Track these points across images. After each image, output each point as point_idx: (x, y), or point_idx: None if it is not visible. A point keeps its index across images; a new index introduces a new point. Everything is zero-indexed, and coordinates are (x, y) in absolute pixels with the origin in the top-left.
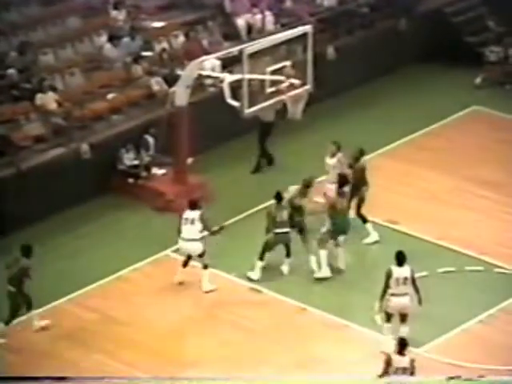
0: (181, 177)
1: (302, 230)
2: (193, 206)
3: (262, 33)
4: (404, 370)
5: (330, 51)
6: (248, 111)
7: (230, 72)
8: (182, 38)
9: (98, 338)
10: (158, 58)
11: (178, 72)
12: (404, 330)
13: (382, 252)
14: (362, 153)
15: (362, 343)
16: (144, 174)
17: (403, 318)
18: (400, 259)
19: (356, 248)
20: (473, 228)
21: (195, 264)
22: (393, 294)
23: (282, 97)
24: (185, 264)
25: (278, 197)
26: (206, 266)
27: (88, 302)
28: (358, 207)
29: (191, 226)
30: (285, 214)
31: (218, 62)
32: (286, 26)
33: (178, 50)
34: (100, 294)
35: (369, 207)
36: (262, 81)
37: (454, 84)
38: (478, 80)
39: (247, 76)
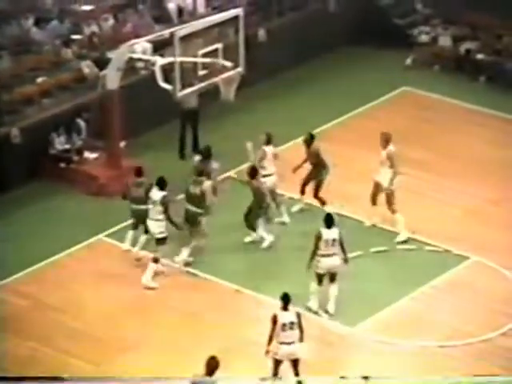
0: (114, 160)
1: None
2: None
3: (194, 15)
4: (291, 325)
5: (262, 33)
6: (180, 94)
7: (162, 55)
8: (111, 21)
9: (32, 325)
10: (88, 42)
11: (109, 55)
12: (333, 289)
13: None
14: (312, 136)
15: None
16: (76, 158)
17: (332, 277)
18: (328, 221)
19: (293, 228)
20: (403, 207)
21: (130, 248)
22: (322, 255)
23: (214, 79)
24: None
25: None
26: (156, 260)
27: (21, 289)
28: (316, 190)
29: (153, 207)
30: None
31: (149, 45)
32: (217, 9)
33: (108, 33)
34: (34, 280)
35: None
36: (194, 63)
37: (385, 65)
38: (408, 61)
39: (179, 59)
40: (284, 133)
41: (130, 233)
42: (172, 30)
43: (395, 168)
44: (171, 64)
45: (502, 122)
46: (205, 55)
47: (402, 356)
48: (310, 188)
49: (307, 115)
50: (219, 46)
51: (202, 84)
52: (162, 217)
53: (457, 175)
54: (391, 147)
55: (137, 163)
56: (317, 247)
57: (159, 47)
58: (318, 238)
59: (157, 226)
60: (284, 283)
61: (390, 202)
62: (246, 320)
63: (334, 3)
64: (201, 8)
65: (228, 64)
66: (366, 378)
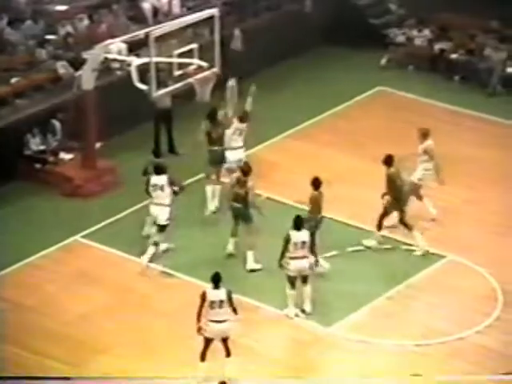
0: (89, 161)
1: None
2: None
3: (169, 16)
4: (221, 303)
5: (237, 33)
6: (156, 94)
7: (137, 55)
8: (86, 22)
9: (9, 327)
10: (63, 42)
11: (84, 56)
12: (307, 290)
13: None
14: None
15: (274, 324)
16: (51, 159)
17: (304, 279)
18: (297, 224)
19: (270, 230)
20: (381, 207)
21: (106, 249)
22: (291, 258)
23: (190, 79)
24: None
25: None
26: (156, 243)
27: None
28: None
29: (161, 192)
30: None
31: (124, 46)
32: (192, 9)
33: (83, 33)
34: (9, 281)
35: (279, 189)
36: (170, 64)
37: (360, 65)
38: (383, 61)
39: (154, 59)
40: (259, 132)
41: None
42: (147, 30)
43: (435, 161)
44: (147, 64)
45: (476, 121)
46: (180, 55)
47: (379, 355)
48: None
49: (282, 115)
50: (194, 46)
51: (178, 84)
52: (168, 202)
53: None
54: (429, 141)
55: (112, 164)
56: (285, 249)
57: (134, 47)
58: (287, 240)
59: (164, 211)
60: (265, 286)
61: (417, 193)
62: None
63: (309, 3)
64: (176, 8)
65: (203, 64)
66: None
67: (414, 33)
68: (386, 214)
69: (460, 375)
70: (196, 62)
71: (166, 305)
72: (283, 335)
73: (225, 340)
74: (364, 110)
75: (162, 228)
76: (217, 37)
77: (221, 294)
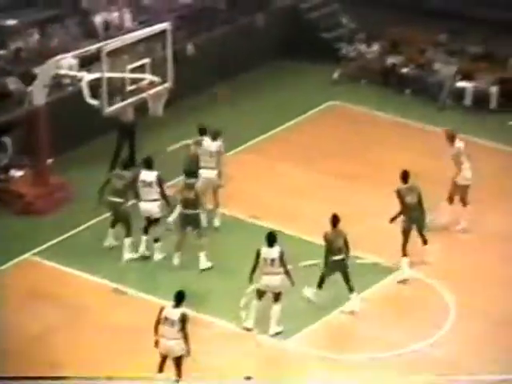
0: (41, 178)
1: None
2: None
3: (121, 30)
4: (172, 322)
5: (190, 48)
6: (108, 110)
7: (89, 71)
8: (37, 36)
9: None
10: (14, 57)
11: (35, 71)
12: (275, 309)
13: (246, 247)
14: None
15: (228, 340)
16: (2, 176)
17: (275, 297)
18: (270, 240)
19: (220, 243)
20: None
21: (59, 267)
22: (264, 273)
23: (143, 94)
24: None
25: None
26: (157, 240)
27: None
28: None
29: (150, 189)
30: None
31: (75, 61)
32: (144, 24)
33: (34, 48)
34: None
35: (232, 203)
36: (122, 79)
37: (313, 79)
38: (335, 75)
39: (106, 74)
40: None
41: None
42: (99, 45)
43: (464, 164)
44: (99, 79)
45: (426, 133)
46: (132, 70)
47: (335, 369)
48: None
49: (236, 129)
50: (147, 61)
51: (131, 99)
52: (158, 196)
53: (387, 187)
54: (459, 144)
55: (64, 180)
56: (255, 264)
57: (86, 62)
58: (257, 255)
59: (156, 205)
60: (221, 302)
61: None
62: None
63: (261, 18)
64: (128, 22)
65: (156, 79)
66: (248, 378)
67: (365, 47)
68: (405, 238)
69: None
70: (148, 76)
71: (121, 322)
72: (240, 349)
73: (176, 360)
74: (317, 123)
75: (157, 221)
76: (169, 51)
77: (176, 313)
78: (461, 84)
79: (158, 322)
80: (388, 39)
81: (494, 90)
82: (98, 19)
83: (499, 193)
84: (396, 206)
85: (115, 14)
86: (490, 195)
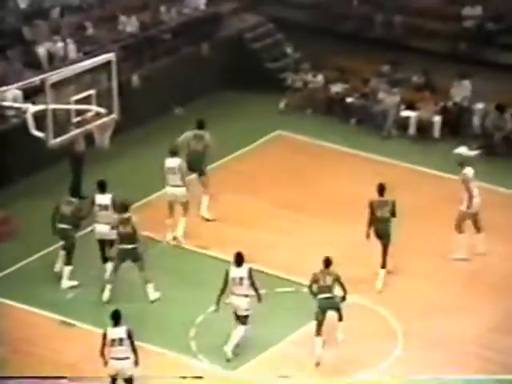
0: None
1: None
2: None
3: (65, 61)
4: (120, 341)
5: (135, 79)
6: (54, 142)
7: (33, 102)
8: None
9: None
10: None
11: None
12: (237, 332)
13: (195, 278)
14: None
15: (180, 369)
16: None
17: (241, 319)
18: (237, 259)
19: (171, 275)
20: (279, 249)
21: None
22: (232, 293)
23: (88, 126)
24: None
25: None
26: (110, 259)
27: None
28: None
29: (106, 212)
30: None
31: (19, 92)
32: (89, 54)
33: None
34: None
35: (183, 233)
36: (68, 110)
37: (259, 109)
38: (281, 105)
39: (51, 106)
40: (159, 177)
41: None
42: (43, 76)
43: (469, 192)
44: (44, 111)
45: (371, 163)
46: (78, 102)
47: None
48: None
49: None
50: (92, 92)
51: (76, 131)
52: (113, 220)
53: (330, 216)
54: (465, 171)
55: (7, 213)
56: (224, 284)
57: (30, 94)
58: (226, 274)
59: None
60: (166, 332)
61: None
62: None
63: (206, 47)
64: (72, 53)
65: (102, 110)
66: None
67: (310, 77)
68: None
69: None
70: (94, 108)
71: (65, 355)
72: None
73: (128, 381)
74: (262, 153)
75: (111, 244)
76: (114, 82)
77: (121, 332)
78: (405, 113)
79: (103, 346)
80: (332, 69)
81: (437, 119)
82: (42, 50)
83: (442, 219)
84: (340, 235)
85: (59, 45)
86: (434, 221)
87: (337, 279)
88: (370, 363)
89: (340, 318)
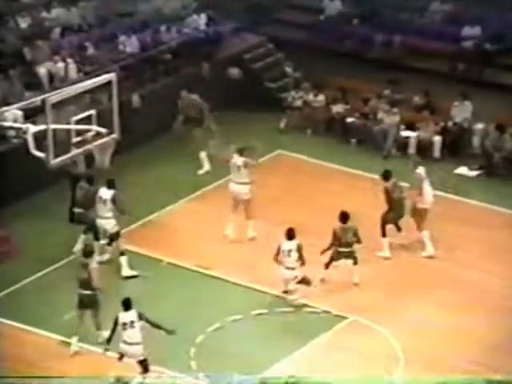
0: None
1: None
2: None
3: (65, 81)
4: (131, 324)
5: (135, 99)
6: (54, 162)
7: (34, 122)
8: None
9: None
10: None
11: None
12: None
13: (195, 298)
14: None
15: None
16: None
17: (139, 364)
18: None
19: (169, 295)
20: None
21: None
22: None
23: (89, 146)
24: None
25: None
26: (123, 253)
27: None
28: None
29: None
30: None
31: (20, 113)
32: (89, 74)
33: None
34: None
35: (179, 253)
36: (68, 130)
37: (259, 129)
38: (282, 125)
39: (51, 126)
40: (158, 196)
41: None
42: (43, 96)
43: (422, 190)
44: (44, 131)
45: (371, 183)
46: (78, 122)
47: None
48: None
49: (182, 179)
50: (92, 112)
51: (77, 151)
52: (111, 214)
53: (330, 236)
54: (418, 170)
55: (6, 232)
56: (113, 329)
57: (31, 114)
58: (115, 321)
59: (108, 222)
60: (166, 352)
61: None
62: None
63: (206, 67)
64: (72, 73)
65: (102, 130)
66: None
67: (310, 97)
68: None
69: None
70: (94, 128)
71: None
72: None
73: (141, 362)
74: (264, 173)
75: (114, 236)
76: (115, 102)
77: (132, 315)
78: (405, 133)
79: (113, 332)
80: (332, 89)
81: (437, 139)
82: (43, 70)
83: (448, 241)
84: None
85: (60, 65)
86: (440, 244)
87: (355, 233)
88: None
89: (355, 263)
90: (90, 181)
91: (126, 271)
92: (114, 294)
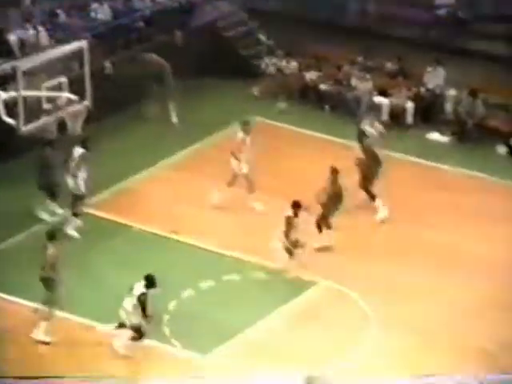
0: None
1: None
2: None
3: (36, 48)
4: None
5: (108, 66)
6: (25, 128)
7: (5, 89)
8: None
9: None
10: None
11: None
12: None
13: (167, 264)
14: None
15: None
16: None
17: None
18: (148, 280)
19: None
20: (254, 235)
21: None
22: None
23: (60, 113)
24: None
25: None
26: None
27: None
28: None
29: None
30: None
31: None
32: (61, 41)
33: None
34: None
35: (152, 218)
36: (39, 97)
37: (233, 96)
38: (255, 91)
39: (22, 93)
40: (132, 163)
41: None
42: (14, 63)
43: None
44: (15, 98)
45: (345, 148)
46: (50, 89)
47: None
48: None
49: (156, 145)
50: (64, 79)
51: (48, 118)
52: (80, 175)
53: (306, 201)
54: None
55: None
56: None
57: (2, 82)
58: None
59: (76, 183)
60: None
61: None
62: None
63: (180, 35)
64: (44, 41)
65: (74, 97)
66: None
67: (283, 63)
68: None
69: None
70: (66, 95)
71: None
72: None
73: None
74: (234, 139)
75: (79, 197)
76: (87, 69)
77: (140, 289)
78: (378, 100)
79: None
80: (306, 56)
81: (409, 105)
82: (13, 38)
83: (420, 206)
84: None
85: (31, 32)
86: (404, 205)
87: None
88: (342, 350)
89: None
90: (51, 145)
91: (70, 230)
92: (85, 264)
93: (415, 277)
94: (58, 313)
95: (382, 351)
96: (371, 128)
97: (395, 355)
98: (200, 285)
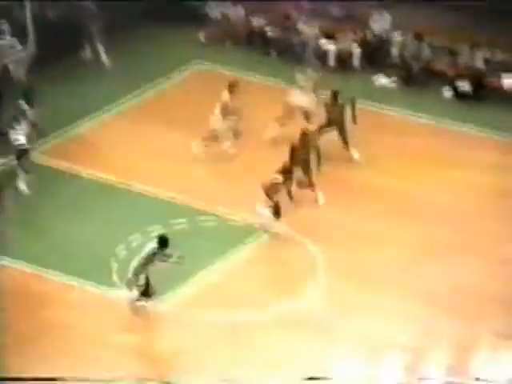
0: None
1: None
2: None
3: None
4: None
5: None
6: None
7: None
8: None
9: None
10: None
11: None
12: None
13: (120, 214)
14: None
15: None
16: None
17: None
18: (161, 241)
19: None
20: (201, 181)
21: None
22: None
23: (4, 59)
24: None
25: None
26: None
27: None
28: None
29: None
30: None
31: None
32: None
33: None
34: None
35: (102, 167)
36: None
37: (178, 42)
38: (201, 37)
39: None
40: (77, 109)
41: None
42: None
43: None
44: None
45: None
46: None
47: (209, 329)
48: None
49: (101, 92)
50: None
51: None
52: (22, 128)
53: (252, 149)
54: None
55: None
56: None
57: None
58: None
59: (18, 137)
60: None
61: None
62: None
63: None
64: None
65: (16, 43)
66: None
67: (230, 8)
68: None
69: None
70: (8, 39)
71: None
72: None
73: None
74: (181, 85)
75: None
76: (28, 14)
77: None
78: (324, 44)
79: None
80: (252, 1)
81: (356, 49)
82: None
83: (368, 150)
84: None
85: None
86: (360, 154)
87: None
88: (291, 294)
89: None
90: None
91: (22, 186)
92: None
93: (365, 222)
94: (6, 260)
95: (328, 293)
96: (304, 75)
97: (339, 297)
98: (149, 231)
